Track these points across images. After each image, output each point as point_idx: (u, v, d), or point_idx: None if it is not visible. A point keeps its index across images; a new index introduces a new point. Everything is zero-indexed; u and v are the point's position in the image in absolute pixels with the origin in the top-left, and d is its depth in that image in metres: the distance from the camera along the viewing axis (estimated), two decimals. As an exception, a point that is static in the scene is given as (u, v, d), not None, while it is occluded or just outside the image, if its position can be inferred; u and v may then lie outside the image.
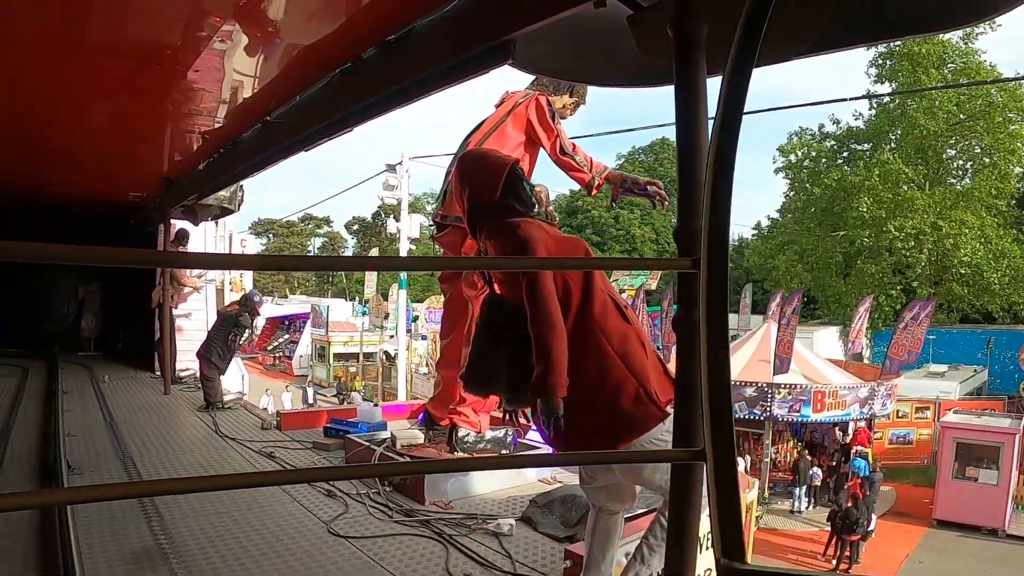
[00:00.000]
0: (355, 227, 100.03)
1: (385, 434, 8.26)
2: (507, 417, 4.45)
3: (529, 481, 7.19)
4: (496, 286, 4.35)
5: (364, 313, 49.01)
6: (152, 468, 7.77)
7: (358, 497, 6.55)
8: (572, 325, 3.91)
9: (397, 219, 29.65)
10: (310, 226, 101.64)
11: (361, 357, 47.83)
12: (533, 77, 7.43)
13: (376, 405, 9.59)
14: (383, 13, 4.77)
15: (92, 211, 16.74)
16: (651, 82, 3.89)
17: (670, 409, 3.86)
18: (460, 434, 7.15)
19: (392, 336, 44.44)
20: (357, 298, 61.83)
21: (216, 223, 16.57)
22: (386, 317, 43.57)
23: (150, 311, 14.90)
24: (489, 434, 7.29)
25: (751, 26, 1.61)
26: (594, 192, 7.08)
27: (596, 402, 3.90)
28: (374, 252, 48.22)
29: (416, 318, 41.91)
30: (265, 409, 15.05)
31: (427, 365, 40.72)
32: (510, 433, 7.44)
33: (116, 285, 19.68)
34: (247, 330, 11.83)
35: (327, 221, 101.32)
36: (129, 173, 12.51)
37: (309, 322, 54.52)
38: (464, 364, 4.49)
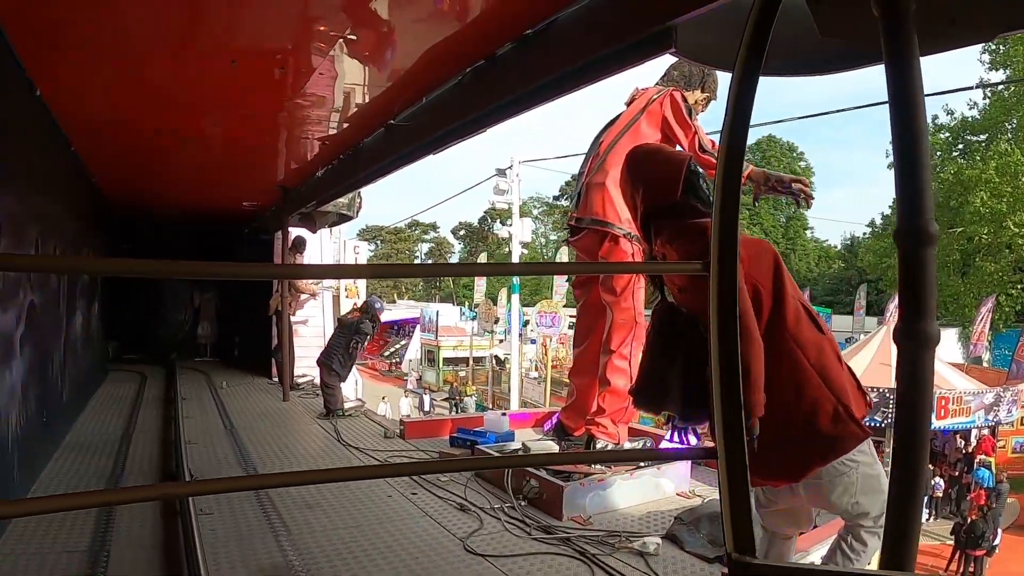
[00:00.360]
0: (462, 232, 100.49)
1: (514, 445, 8.03)
2: (676, 434, 4.14)
3: (667, 495, 6.86)
4: (675, 293, 4.03)
5: (473, 318, 48.89)
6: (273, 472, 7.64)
7: (492, 512, 6.30)
8: (764, 336, 3.56)
9: (504, 223, 29.34)
10: (417, 232, 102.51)
11: (471, 361, 47.80)
12: (663, 73, 7.17)
13: (504, 414, 9.28)
14: (520, 6, 4.50)
15: (209, 220, 17.09)
16: (826, 68, 3.52)
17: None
18: (598, 446, 6.85)
19: (501, 341, 44.37)
20: (467, 303, 61.84)
21: (331, 230, 16.58)
22: (496, 322, 43.45)
23: (267, 318, 14.94)
24: (627, 445, 7.04)
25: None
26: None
27: (791, 421, 3.56)
28: (482, 257, 48.15)
29: (527, 323, 41.64)
30: (384, 416, 14.98)
31: (536, 369, 40.40)
32: (648, 443, 7.13)
33: (232, 292, 19.94)
34: (368, 337, 11.72)
35: (434, 227, 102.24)
36: (246, 182, 12.62)
37: (418, 327, 54.75)
38: (635, 378, 4.19)
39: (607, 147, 6.84)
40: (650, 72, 6.59)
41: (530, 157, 29.09)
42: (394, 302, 73.71)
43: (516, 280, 30.78)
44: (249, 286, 17.48)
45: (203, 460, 8.26)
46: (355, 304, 17.98)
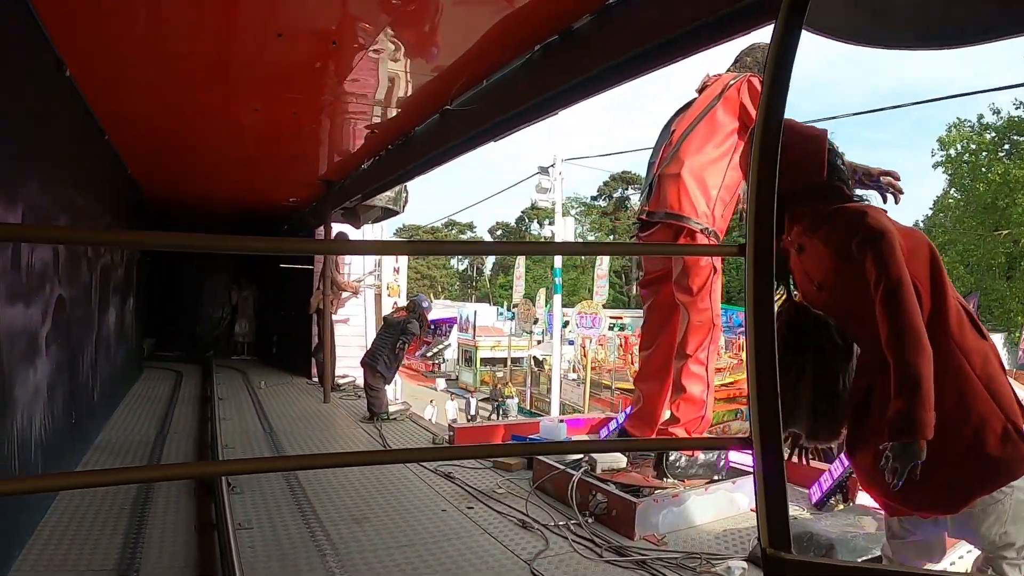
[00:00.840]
0: (498, 232, 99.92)
1: (576, 455, 7.49)
2: (802, 456, 3.55)
3: (742, 510, 6.34)
4: (807, 291, 3.41)
5: (512, 318, 48.36)
6: (318, 485, 7.14)
7: (557, 529, 5.80)
8: None
9: (541, 223, 28.87)
10: (453, 232, 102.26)
11: (509, 362, 47.27)
12: (733, 59, 6.73)
13: (562, 421, 8.76)
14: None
15: (246, 217, 16.68)
16: (977, 38, 2.89)
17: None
18: (671, 458, 6.40)
19: (539, 342, 43.85)
20: (506, 303, 61.39)
21: (373, 227, 16.07)
22: (535, 322, 42.89)
23: (307, 316, 14.49)
24: (701, 457, 6.49)
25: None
26: None
27: (954, 442, 2.94)
28: (521, 257, 47.26)
29: (566, 323, 41.00)
30: (430, 420, 14.48)
31: (574, 371, 39.74)
32: (722, 456, 6.62)
33: (270, 289, 19.62)
34: (415, 337, 11.18)
35: (470, 227, 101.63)
36: (287, 175, 12.17)
37: (455, 326, 54.28)
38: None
39: (680, 136, 6.36)
40: (716, 58, 6.10)
41: (560, 155, 28.30)
42: (430, 301, 73.37)
43: (559, 280, 30.11)
44: (288, 283, 17.16)
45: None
46: (394, 303, 17.49)
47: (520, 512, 6.23)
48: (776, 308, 3.35)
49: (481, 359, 49.91)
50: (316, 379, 14.24)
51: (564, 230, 29.33)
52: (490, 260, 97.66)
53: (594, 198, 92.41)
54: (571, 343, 41.99)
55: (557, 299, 29.57)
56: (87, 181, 8.27)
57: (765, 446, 1.79)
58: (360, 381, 13.24)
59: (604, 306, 40.11)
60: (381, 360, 10.64)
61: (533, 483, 7.09)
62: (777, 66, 1.75)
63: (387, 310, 14.87)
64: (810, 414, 3.19)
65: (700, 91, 6.53)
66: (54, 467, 6.34)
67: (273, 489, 6.92)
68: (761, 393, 1.81)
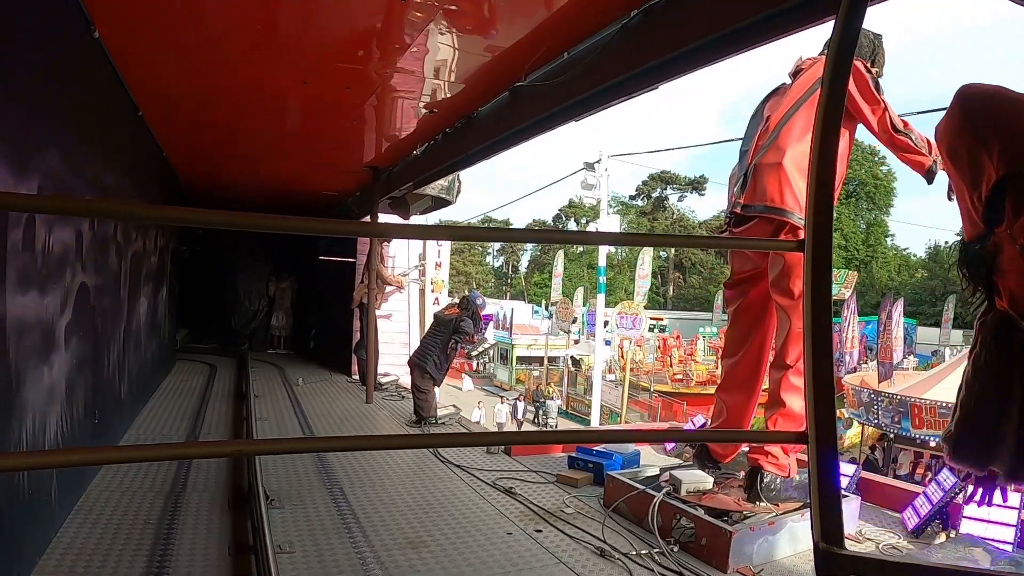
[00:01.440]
0: (536, 230, 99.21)
1: (651, 471, 6.93)
2: (983, 494, 2.74)
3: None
4: (1017, 296, 2.56)
5: (548, 316, 47.64)
6: (367, 502, 6.48)
7: (639, 559, 5.18)
8: None
9: (578, 221, 28.20)
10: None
11: (546, 361, 46.57)
12: (826, 43, 5.94)
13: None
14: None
15: (285, 208, 16.15)
16: None
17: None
18: (765, 480, 5.78)
19: (576, 341, 43.14)
20: (544, 302, 60.67)
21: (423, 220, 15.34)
22: (573, 321, 42.17)
23: (348, 311, 13.82)
24: (796, 478, 5.89)
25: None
26: (934, 180, 5.66)
27: None
28: (559, 257, 46.54)
29: (606, 324, 40.18)
30: (479, 424, 13.75)
31: (611, 371, 38.94)
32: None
33: (308, 282, 19.06)
34: (468, 337, 10.42)
35: (507, 224, 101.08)
36: (330, 162, 11.46)
37: (491, 324, 53.57)
38: (953, 420, 2.75)
39: (779, 122, 5.78)
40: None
41: (606, 150, 27.61)
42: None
43: (602, 279, 29.34)
44: (328, 276, 16.52)
45: (279, 475, 7.08)
46: (435, 299, 16.73)
47: (595, 537, 5.62)
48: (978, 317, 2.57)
49: (517, 357, 49.30)
50: (356, 377, 13.60)
51: (609, 228, 28.59)
52: (525, 257, 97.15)
53: (632, 197, 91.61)
54: (607, 343, 41.22)
55: (600, 299, 28.89)
56: (118, 158, 7.62)
57: (820, 441, 1.75)
58: (405, 381, 12.58)
59: (645, 307, 39.27)
60: (431, 360, 9.88)
61: (605, 503, 6.54)
62: (838, 61, 1.72)
63: (431, 306, 14.14)
64: (1016, 448, 2.39)
65: (794, 75, 6.02)
66: (71, 477, 5.70)
67: (317, 506, 6.25)
68: (816, 388, 1.78)
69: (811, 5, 3.64)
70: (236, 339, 19.10)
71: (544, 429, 27.24)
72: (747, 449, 6.18)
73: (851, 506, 6.26)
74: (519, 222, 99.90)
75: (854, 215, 77.70)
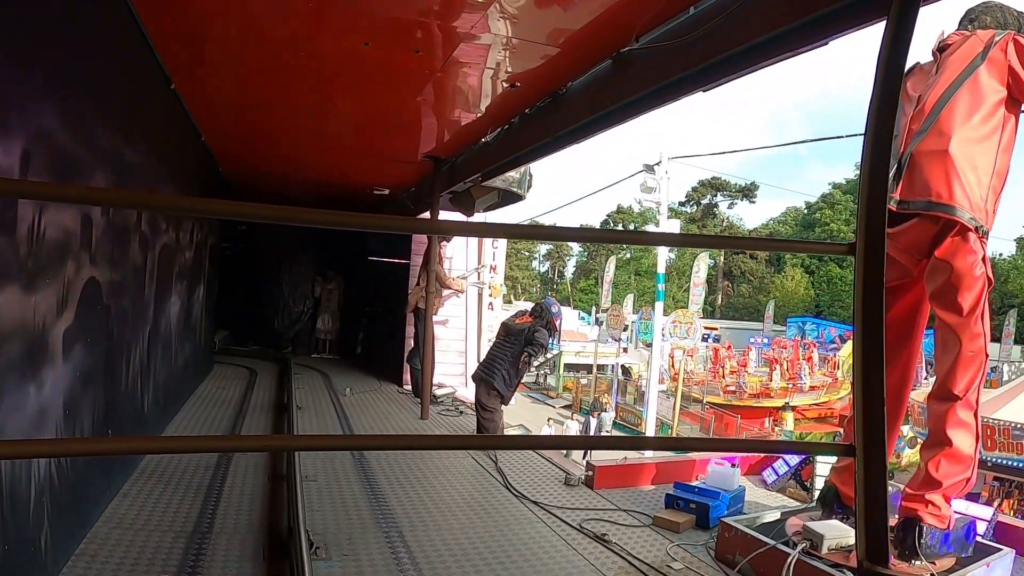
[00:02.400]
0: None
1: (768, 515, 5.90)
2: None
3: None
4: None
5: (600, 323, 46.51)
6: (429, 545, 5.43)
7: None
8: None
9: (626, 228, 27.06)
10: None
11: (595, 369, 45.47)
12: (964, 17, 5.31)
13: (734, 465, 6.90)
14: None
15: (334, 205, 14.81)
16: None
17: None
18: (923, 537, 4.72)
19: (625, 350, 42.00)
20: (595, 307, 59.53)
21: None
22: (624, 329, 41.04)
23: (399, 315, 12.74)
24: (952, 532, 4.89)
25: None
26: None
27: None
28: (612, 261, 45.54)
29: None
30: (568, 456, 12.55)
31: (661, 381, 37.73)
32: (968, 527, 5.11)
33: (357, 283, 18.06)
34: (543, 350, 9.24)
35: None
36: (385, 151, 10.33)
37: (537, 330, 52.31)
38: None
39: (936, 103, 4.78)
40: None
41: (666, 152, 26.53)
42: (510, 303, 71.92)
43: (661, 287, 28.13)
44: (378, 277, 15.72)
45: (326, 514, 5.93)
46: (489, 304, 15.51)
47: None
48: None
49: (564, 364, 48.15)
50: (408, 387, 12.45)
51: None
52: (571, 262, 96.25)
53: (681, 204, 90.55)
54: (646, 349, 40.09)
55: (658, 307, 27.61)
56: (153, 138, 6.63)
57: (868, 455, 1.73)
58: (462, 393, 11.45)
59: (701, 316, 38.04)
60: (499, 375, 8.71)
61: (717, 554, 5.52)
62: (890, 65, 1.73)
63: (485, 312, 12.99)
64: None
65: (940, 51, 5.11)
66: (74, 506, 4.65)
67: (372, 555, 5.12)
68: (867, 400, 1.75)
69: (862, 5, 3.40)
70: (279, 342, 18.07)
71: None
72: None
73: (1004, 562, 5.20)
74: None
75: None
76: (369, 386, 12.86)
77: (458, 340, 13.58)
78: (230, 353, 15.83)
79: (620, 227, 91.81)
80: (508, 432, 8.89)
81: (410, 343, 12.55)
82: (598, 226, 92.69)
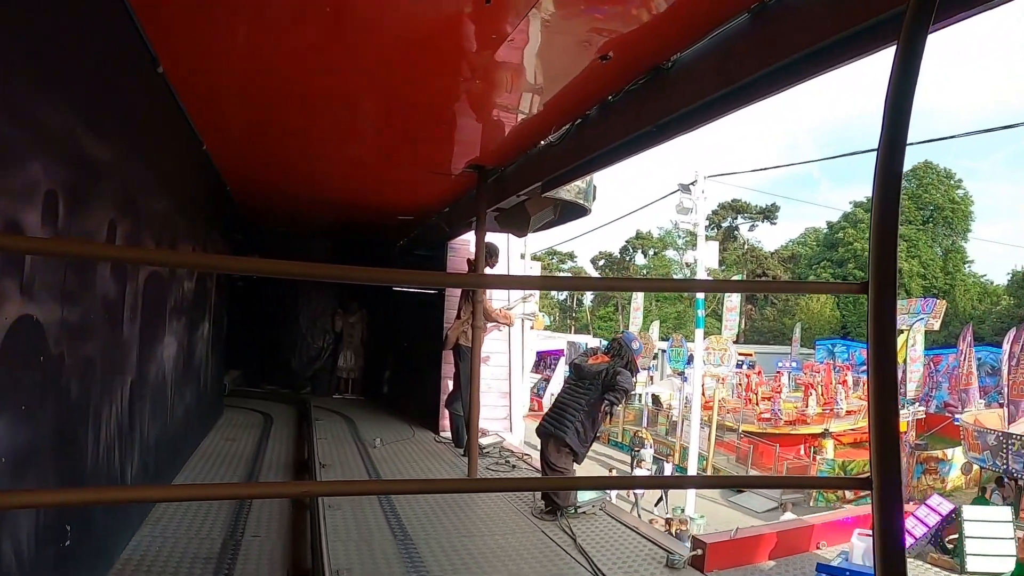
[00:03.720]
0: (601, 262, 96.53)
1: None
2: None
3: None
4: None
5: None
6: None
7: None
8: None
9: (645, 253, 25.63)
10: (555, 261, 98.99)
11: (624, 400, 43.70)
12: None
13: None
14: None
15: (354, 227, 13.92)
16: None
17: None
18: None
19: (651, 378, 40.54)
20: (642, 334, 58.11)
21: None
22: (655, 357, 39.45)
23: (432, 352, 11.18)
24: None
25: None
26: None
27: None
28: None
29: (691, 359, 37.26)
30: (633, 511, 10.84)
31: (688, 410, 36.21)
32: None
33: (382, 315, 16.33)
34: (626, 396, 7.61)
35: (571, 256, 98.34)
36: (417, 162, 8.68)
37: (562, 359, 50.63)
38: None
39: None
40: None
41: (702, 171, 25.21)
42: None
43: (701, 313, 26.55)
44: (407, 307, 14.23)
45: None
46: (533, 328, 13.84)
47: None
48: None
49: (591, 395, 46.58)
50: (447, 434, 10.80)
51: (707, 255, 25.88)
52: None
53: (707, 228, 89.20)
54: (684, 380, 38.29)
55: (698, 334, 26.02)
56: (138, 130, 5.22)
57: (884, 489, 1.65)
58: (510, 441, 9.85)
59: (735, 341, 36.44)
60: (571, 428, 7.08)
61: None
62: (899, 89, 1.63)
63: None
64: None
65: None
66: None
67: None
68: (881, 433, 1.69)
69: (872, 32, 3.38)
70: (297, 382, 16.38)
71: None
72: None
73: None
74: (583, 255, 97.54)
75: (931, 241, 75.36)
76: (401, 434, 11.15)
77: (500, 379, 11.87)
78: (243, 395, 14.23)
79: (639, 253, 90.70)
80: (583, 497, 7.19)
81: (447, 384, 10.96)
82: (617, 252, 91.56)
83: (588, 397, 7.21)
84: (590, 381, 7.32)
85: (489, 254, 9.82)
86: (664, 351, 41.06)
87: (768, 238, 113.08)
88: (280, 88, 6.02)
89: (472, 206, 9.06)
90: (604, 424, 7.65)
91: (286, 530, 6.34)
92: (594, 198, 9.45)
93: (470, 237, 11.36)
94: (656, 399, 40.90)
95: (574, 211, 9.56)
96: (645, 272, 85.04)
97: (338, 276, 1.66)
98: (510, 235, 11.48)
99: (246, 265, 1.61)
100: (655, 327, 45.71)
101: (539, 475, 7.59)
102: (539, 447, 7.59)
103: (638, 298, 43.86)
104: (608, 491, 9.04)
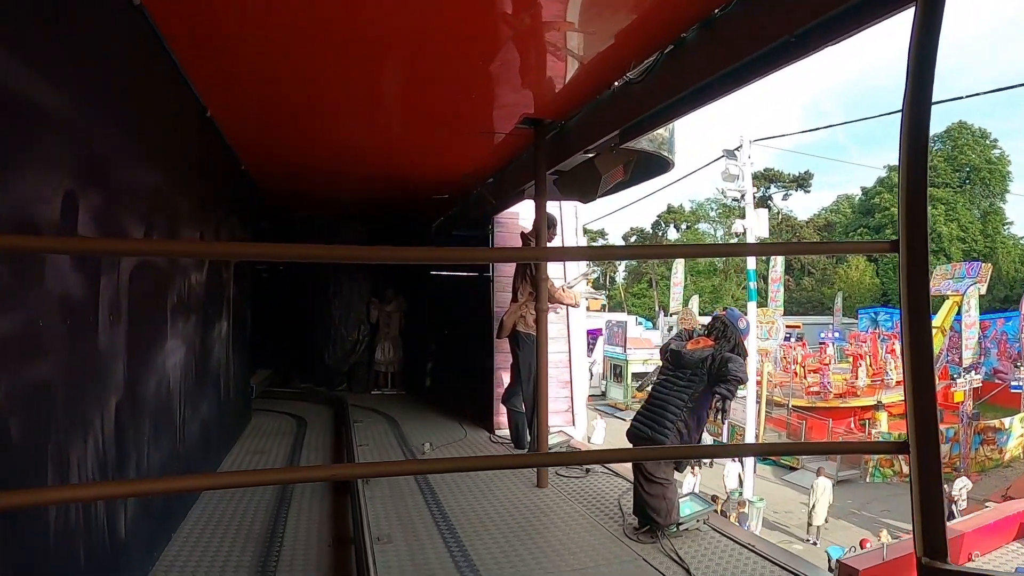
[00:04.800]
0: (633, 238, 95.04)
1: None
2: None
3: None
4: None
5: (670, 328, 43.77)
6: None
7: None
8: None
9: (678, 227, 24.39)
10: (585, 239, 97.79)
11: (667, 377, 42.49)
12: None
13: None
14: None
15: (386, 206, 12.68)
16: None
17: None
18: None
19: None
20: (661, 311, 56.79)
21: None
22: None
23: (484, 339, 9.97)
24: None
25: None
26: None
27: None
28: (680, 262, 42.49)
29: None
30: (748, 527, 9.52)
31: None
32: None
33: (422, 302, 15.05)
34: (740, 386, 6.14)
35: (602, 234, 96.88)
36: (467, 116, 7.24)
37: (602, 338, 49.25)
38: None
39: None
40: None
41: (747, 135, 23.88)
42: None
43: (753, 285, 25.08)
44: (449, 291, 13.15)
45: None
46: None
47: None
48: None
49: (632, 374, 45.18)
50: (503, 432, 9.55)
51: (757, 224, 24.45)
52: (622, 267, 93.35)
53: (735, 199, 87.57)
54: None
55: (751, 307, 24.55)
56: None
57: (921, 451, 1.74)
58: (576, 439, 8.59)
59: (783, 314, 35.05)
60: (673, 429, 5.72)
61: None
62: (921, 51, 1.71)
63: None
64: None
65: None
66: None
67: None
68: (917, 397, 1.75)
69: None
70: (332, 378, 15.05)
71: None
72: None
73: None
74: (615, 231, 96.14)
75: (969, 203, 73.56)
76: (452, 435, 9.79)
77: (560, 367, 10.40)
78: (274, 396, 13.06)
79: (671, 227, 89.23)
80: (687, 509, 5.85)
81: (500, 376, 9.70)
82: (649, 227, 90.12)
83: (692, 391, 5.86)
84: (692, 371, 5.95)
85: (548, 225, 8.55)
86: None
87: (799, 208, 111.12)
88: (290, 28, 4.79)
89: (523, 172, 7.76)
90: (713, 423, 6.29)
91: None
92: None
93: (518, 210, 10.08)
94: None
95: (651, 167, 8.10)
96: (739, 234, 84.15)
97: (386, 258, 1.65)
98: (559, 205, 10.17)
99: (261, 251, 1.92)
100: (694, 301, 44.32)
101: (633, 488, 6.30)
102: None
103: (678, 272, 42.38)
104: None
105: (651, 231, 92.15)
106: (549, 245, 8.59)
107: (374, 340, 15.13)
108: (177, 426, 5.67)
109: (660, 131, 7.12)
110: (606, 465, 7.78)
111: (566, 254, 5.95)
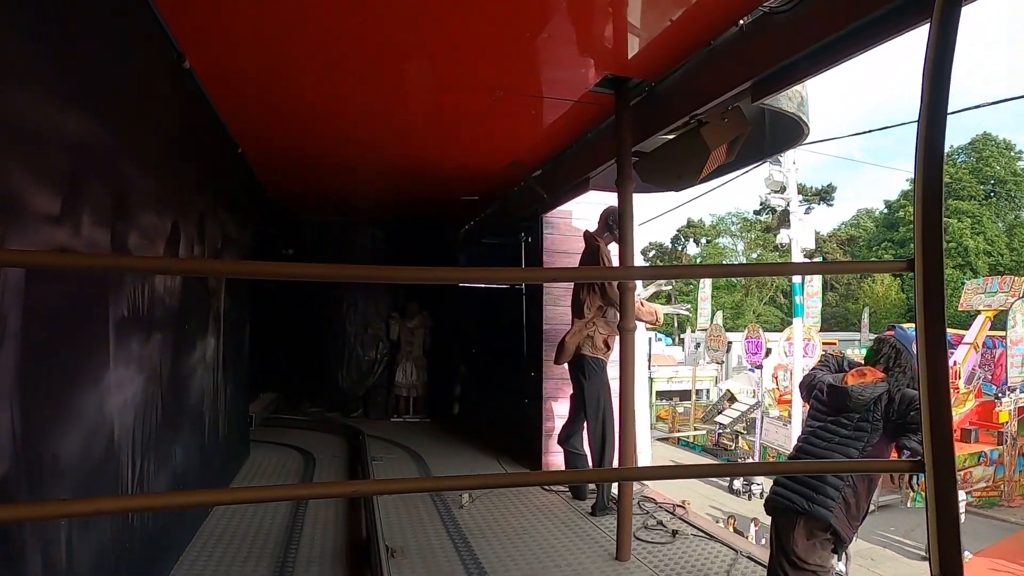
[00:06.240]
0: (651, 253, 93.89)
1: None
2: None
3: None
4: None
5: (697, 345, 42.75)
6: None
7: None
8: None
9: (697, 242, 23.48)
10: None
11: (693, 395, 41.42)
12: None
13: None
14: None
15: (408, 208, 11.32)
16: None
17: None
18: None
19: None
20: (690, 329, 55.59)
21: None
22: (728, 349, 37.10)
23: (530, 362, 8.37)
24: None
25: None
26: None
27: None
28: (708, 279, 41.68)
29: (768, 351, 34.29)
30: None
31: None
32: None
33: (448, 316, 13.38)
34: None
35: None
36: (541, 74, 5.53)
37: (633, 359, 48.10)
38: None
39: None
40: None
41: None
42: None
43: (799, 299, 23.66)
44: (481, 305, 11.53)
45: None
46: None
47: None
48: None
49: (657, 392, 44.28)
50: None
51: (802, 234, 23.05)
52: (639, 283, 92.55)
53: (756, 212, 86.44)
54: (751, 370, 36.37)
55: (796, 323, 23.09)
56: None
57: (937, 470, 1.69)
58: (650, 492, 6.99)
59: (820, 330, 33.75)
60: (838, 498, 3.91)
61: None
62: (936, 64, 1.66)
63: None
64: None
65: None
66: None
67: None
68: (933, 415, 1.71)
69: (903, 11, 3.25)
70: (346, 403, 13.36)
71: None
72: None
73: None
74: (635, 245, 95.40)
75: (994, 217, 72.11)
76: (486, 472, 8.05)
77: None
78: (279, 425, 11.39)
79: (691, 241, 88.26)
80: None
81: (550, 408, 8.07)
82: (668, 243, 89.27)
83: (863, 443, 4.09)
84: (861, 416, 4.19)
85: (609, 225, 6.95)
86: (738, 343, 38.76)
87: (819, 222, 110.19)
88: None
89: (587, 155, 6.15)
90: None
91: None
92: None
93: (572, 207, 8.43)
94: (732, 395, 37.94)
95: (778, 137, 6.24)
96: (697, 261, 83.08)
97: (419, 279, 1.62)
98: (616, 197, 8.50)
99: (268, 269, 1.65)
100: (719, 317, 43.02)
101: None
102: (771, 528, 4.43)
103: (706, 288, 41.21)
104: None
105: (670, 245, 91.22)
106: (607, 242, 7.02)
107: (394, 360, 13.40)
108: (128, 490, 3.98)
109: (798, 88, 5.36)
110: (694, 525, 6.15)
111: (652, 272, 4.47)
